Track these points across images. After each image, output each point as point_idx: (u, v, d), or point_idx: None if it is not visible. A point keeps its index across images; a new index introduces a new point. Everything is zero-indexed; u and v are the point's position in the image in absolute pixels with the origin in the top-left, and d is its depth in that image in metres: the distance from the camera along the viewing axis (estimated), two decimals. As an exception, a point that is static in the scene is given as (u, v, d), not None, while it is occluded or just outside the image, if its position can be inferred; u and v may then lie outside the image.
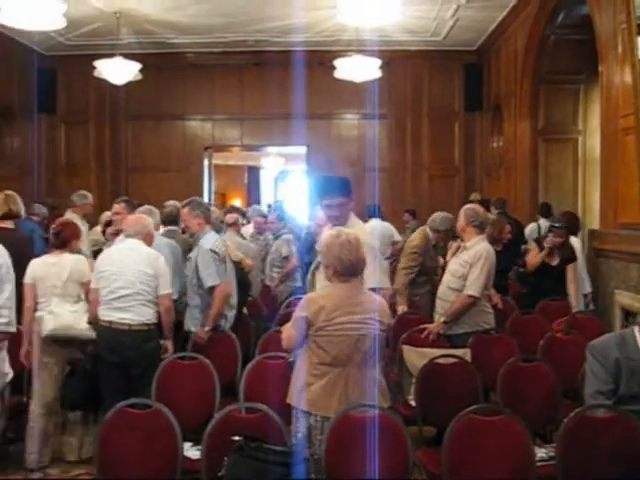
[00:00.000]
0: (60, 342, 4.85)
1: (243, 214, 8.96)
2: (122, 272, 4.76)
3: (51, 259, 5.02)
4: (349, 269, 3.50)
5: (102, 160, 12.85)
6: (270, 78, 11.75)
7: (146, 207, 5.94)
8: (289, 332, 3.58)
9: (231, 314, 5.52)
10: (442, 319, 5.28)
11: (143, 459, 3.51)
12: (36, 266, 4.97)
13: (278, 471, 3.20)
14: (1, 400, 3.25)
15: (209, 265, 5.25)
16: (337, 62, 10.08)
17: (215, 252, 5.29)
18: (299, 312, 3.48)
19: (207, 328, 5.25)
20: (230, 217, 7.26)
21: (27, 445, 4.78)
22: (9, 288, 3.15)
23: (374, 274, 3.85)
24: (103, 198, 10.86)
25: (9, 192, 5.96)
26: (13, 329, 3.17)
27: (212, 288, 5.26)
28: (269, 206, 11.77)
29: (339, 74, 10.22)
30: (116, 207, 6.11)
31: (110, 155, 12.85)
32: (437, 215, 6.65)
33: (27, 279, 4.88)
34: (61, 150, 12.83)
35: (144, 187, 11.87)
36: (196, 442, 4.00)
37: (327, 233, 3.69)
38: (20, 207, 5.87)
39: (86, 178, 12.33)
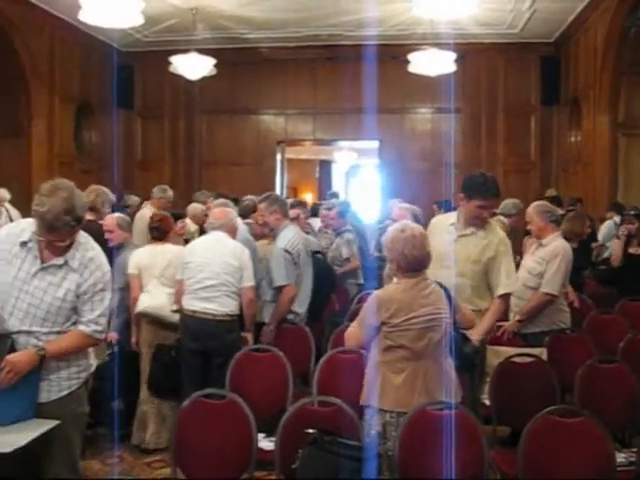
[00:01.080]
0: (158, 325, 5.07)
1: (313, 207, 8.96)
2: (208, 263, 4.86)
3: (156, 248, 5.23)
4: (413, 264, 3.48)
5: (176, 154, 13.09)
6: (343, 72, 11.72)
7: (221, 200, 6.03)
8: (355, 331, 3.55)
9: (301, 310, 5.51)
10: (517, 317, 5.18)
11: (218, 449, 3.55)
12: (141, 256, 5.22)
13: (351, 466, 3.19)
14: (85, 388, 3.33)
15: (280, 264, 5.28)
16: (411, 56, 9.99)
17: (288, 252, 5.30)
18: (369, 311, 3.44)
19: (271, 327, 5.29)
20: (293, 212, 7.29)
21: (148, 427, 5.09)
22: (109, 296, 3.22)
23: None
24: (177, 192, 11.03)
25: (95, 186, 6.10)
26: (103, 337, 3.27)
27: (280, 287, 5.30)
28: (332, 196, 11.73)
29: (413, 68, 10.14)
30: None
31: (184, 149, 13.08)
32: (506, 201, 6.67)
33: (132, 269, 5.10)
34: (137, 144, 13.13)
35: (217, 181, 12.04)
36: (268, 433, 4.04)
37: (392, 228, 3.67)
38: (103, 199, 5.98)
39: (160, 172, 12.60)
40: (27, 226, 3.11)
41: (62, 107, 11.22)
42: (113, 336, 5.12)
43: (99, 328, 3.17)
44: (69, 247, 3.10)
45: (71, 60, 11.41)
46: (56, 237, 3.01)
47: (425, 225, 4.42)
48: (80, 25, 10.58)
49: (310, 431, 3.34)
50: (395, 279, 3.65)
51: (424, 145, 12.46)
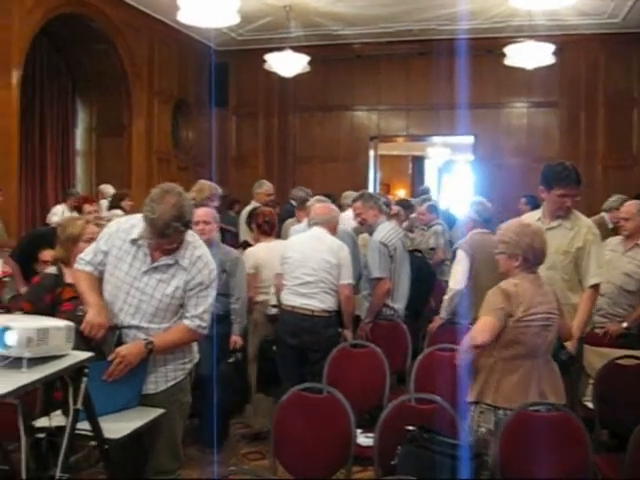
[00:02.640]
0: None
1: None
2: (306, 259, 4.90)
3: (269, 245, 5.30)
4: (540, 258, 3.45)
5: (270, 151, 13.24)
6: (436, 67, 11.56)
7: (321, 197, 6.08)
8: (488, 322, 3.31)
9: (398, 306, 5.48)
10: (625, 325, 5.01)
11: (316, 443, 3.56)
12: (258, 254, 5.31)
13: (451, 463, 3.15)
14: (189, 379, 3.41)
15: (375, 257, 5.29)
16: (507, 49, 9.77)
17: (384, 244, 5.30)
18: (496, 303, 3.36)
19: (366, 321, 5.30)
20: (394, 209, 7.32)
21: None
22: (213, 294, 3.28)
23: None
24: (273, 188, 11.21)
25: (202, 181, 6.21)
26: (206, 332, 3.32)
27: (375, 280, 5.29)
28: (422, 192, 11.63)
29: (509, 61, 9.91)
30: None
31: (278, 146, 13.21)
32: (613, 197, 6.90)
33: (250, 269, 5.19)
34: (232, 141, 13.34)
35: (311, 177, 12.11)
36: (365, 429, 4.03)
37: (512, 222, 3.61)
38: (205, 195, 6.08)
39: (255, 168, 12.77)
40: (137, 222, 3.20)
41: (160, 106, 11.56)
42: (237, 340, 4.94)
43: (203, 324, 3.24)
44: (178, 247, 3.18)
45: (169, 61, 11.73)
46: (166, 242, 3.10)
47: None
48: (178, 26, 10.90)
49: (410, 428, 3.31)
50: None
51: (519, 140, 12.16)
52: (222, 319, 4.71)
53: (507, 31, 10.71)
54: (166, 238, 3.06)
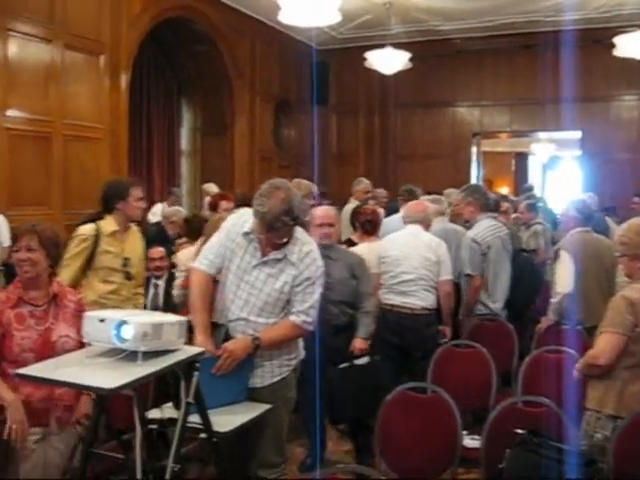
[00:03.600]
0: None
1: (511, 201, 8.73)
2: (405, 257, 4.86)
3: (371, 245, 5.29)
4: None
5: (371, 148, 13.22)
6: (541, 60, 11.21)
7: (434, 196, 6.04)
8: (612, 340, 3.14)
9: (495, 306, 5.34)
10: None
11: (421, 443, 3.52)
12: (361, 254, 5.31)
13: (563, 470, 3.04)
14: (295, 375, 3.43)
15: (467, 253, 5.23)
16: (617, 39, 9.40)
17: (476, 242, 5.22)
18: (621, 314, 3.18)
19: (461, 317, 5.27)
20: (503, 206, 7.19)
21: None
22: (319, 290, 3.30)
23: None
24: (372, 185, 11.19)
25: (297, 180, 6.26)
26: (312, 328, 3.31)
27: (468, 277, 5.27)
28: (526, 190, 11.32)
29: (619, 52, 9.53)
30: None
31: (379, 143, 13.18)
32: None
33: (374, 269, 5.18)
34: (332, 139, 13.41)
35: (412, 174, 11.97)
36: (470, 430, 3.96)
37: (631, 222, 3.46)
38: (302, 194, 6.14)
39: (355, 166, 12.78)
40: (249, 217, 3.25)
41: (262, 105, 11.74)
42: (362, 345, 4.48)
43: (309, 319, 3.25)
44: (287, 242, 3.22)
45: (270, 60, 11.91)
46: (275, 236, 3.14)
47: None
48: (278, 26, 11.03)
49: (519, 431, 3.22)
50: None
51: (630, 134, 11.66)
52: (345, 328, 4.46)
53: (616, 21, 10.30)
54: (275, 232, 3.10)
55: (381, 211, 6.45)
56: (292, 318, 3.24)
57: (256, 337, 3.15)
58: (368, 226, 5.41)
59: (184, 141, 11.80)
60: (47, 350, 2.93)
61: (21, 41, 7.64)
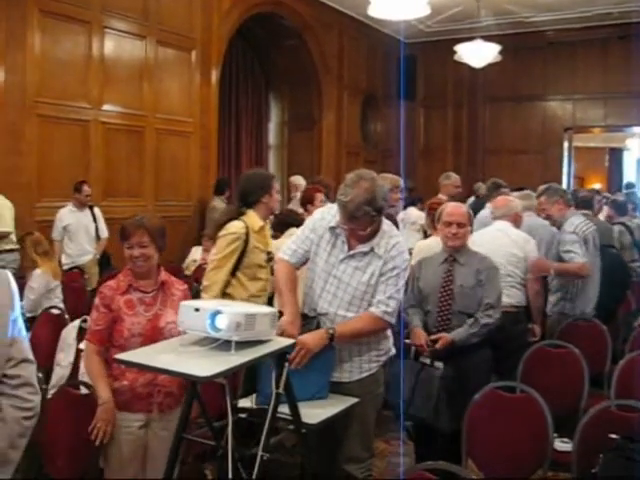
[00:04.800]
0: None
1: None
2: (491, 253, 4.75)
3: (437, 239, 5.24)
4: None
5: (459, 143, 13.07)
6: (637, 52, 10.84)
7: (525, 193, 5.92)
8: None
9: (587, 310, 5.18)
10: None
11: (510, 443, 3.44)
12: (424, 248, 5.24)
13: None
14: (383, 371, 3.41)
15: (567, 244, 5.01)
16: None
17: (576, 234, 5.05)
18: None
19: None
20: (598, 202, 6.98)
21: None
22: (402, 282, 3.24)
23: None
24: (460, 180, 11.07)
25: (384, 174, 6.24)
26: (393, 320, 3.24)
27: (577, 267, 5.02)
28: (627, 187, 10.95)
29: None
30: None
31: (467, 138, 13.01)
32: None
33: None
34: (420, 134, 13.33)
35: (500, 169, 11.78)
36: (560, 432, 3.86)
37: None
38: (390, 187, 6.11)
39: (442, 161, 12.67)
40: (337, 211, 3.24)
41: (350, 100, 11.78)
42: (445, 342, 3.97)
43: (388, 309, 3.17)
44: (374, 235, 3.19)
45: (358, 54, 11.92)
46: (357, 226, 3.11)
47: None
48: (367, 20, 11.04)
49: (613, 436, 3.11)
50: None
51: None
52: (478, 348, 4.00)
53: None
54: (356, 221, 3.08)
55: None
56: (371, 309, 3.19)
57: (331, 327, 3.13)
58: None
59: (272, 135, 11.94)
60: (155, 335, 3.03)
61: (116, 38, 7.91)
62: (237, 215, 4.13)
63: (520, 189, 7.13)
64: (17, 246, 6.54)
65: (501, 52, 10.31)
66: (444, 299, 3.91)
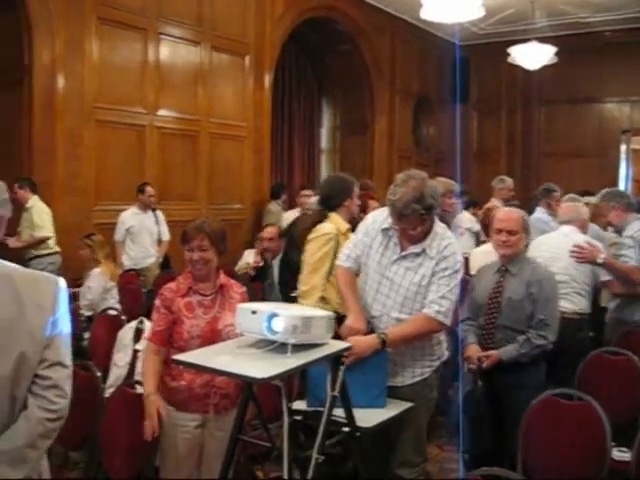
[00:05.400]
0: None
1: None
2: (556, 259, 4.69)
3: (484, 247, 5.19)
4: None
5: (513, 146, 12.92)
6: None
7: (571, 195, 5.81)
8: None
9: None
10: None
11: (566, 450, 3.39)
12: (476, 256, 5.22)
13: None
14: (436, 376, 3.37)
15: (622, 248, 4.92)
16: None
17: (632, 238, 4.94)
18: None
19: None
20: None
21: None
22: (455, 283, 3.18)
23: None
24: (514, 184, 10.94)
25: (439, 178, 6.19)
26: (447, 321, 3.18)
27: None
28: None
29: None
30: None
31: (521, 141, 12.86)
32: None
33: (472, 271, 5.09)
34: (473, 137, 13.22)
35: (555, 173, 11.57)
36: (618, 441, 3.77)
37: None
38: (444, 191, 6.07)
39: (496, 164, 12.53)
40: (389, 214, 3.26)
41: (402, 104, 11.77)
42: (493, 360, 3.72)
43: (441, 309, 3.12)
44: (426, 236, 3.18)
45: (410, 58, 11.89)
46: (406, 224, 3.11)
47: None
48: (419, 23, 11.01)
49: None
50: None
51: None
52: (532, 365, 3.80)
53: None
54: (405, 220, 3.08)
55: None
56: (424, 310, 3.16)
57: (382, 333, 3.12)
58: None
59: (324, 139, 11.99)
60: (214, 338, 3.07)
61: (171, 44, 8.04)
62: (321, 218, 4.16)
63: (587, 193, 6.99)
64: (56, 250, 6.72)
65: (556, 54, 10.15)
66: (490, 312, 3.78)
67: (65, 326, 1.99)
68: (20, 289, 1.92)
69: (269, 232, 6.13)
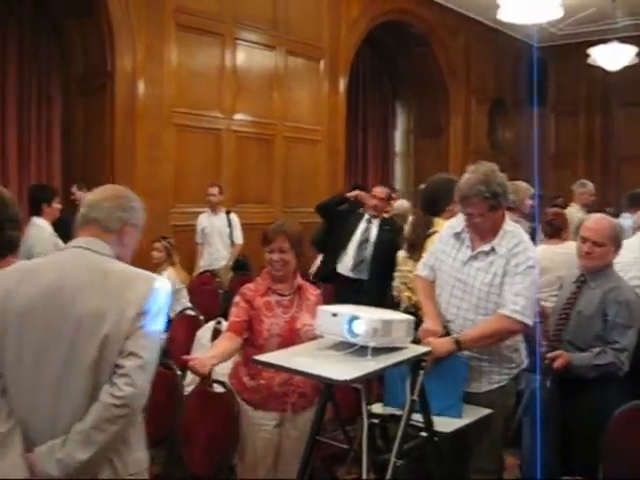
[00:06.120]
0: None
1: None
2: (635, 262, 4.55)
3: (552, 247, 5.08)
4: None
5: (591, 150, 12.62)
6: None
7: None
8: None
9: None
10: None
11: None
12: (543, 255, 5.10)
13: None
14: (514, 383, 3.32)
15: None
16: None
17: None
18: None
19: None
20: None
21: None
22: (530, 280, 3.13)
23: None
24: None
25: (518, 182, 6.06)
26: (525, 320, 3.08)
27: None
28: None
29: None
30: None
31: (600, 144, 12.55)
32: None
33: (552, 273, 4.98)
34: (550, 141, 12.95)
35: (636, 177, 11.23)
36: None
37: None
38: (520, 197, 5.94)
39: (574, 168, 12.23)
40: (463, 217, 3.25)
41: (477, 106, 11.64)
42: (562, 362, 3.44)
43: (517, 307, 3.04)
44: (495, 233, 3.15)
45: (485, 60, 11.74)
46: (471, 209, 3.09)
47: None
48: (495, 25, 10.85)
49: None
50: None
51: None
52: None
53: None
54: (469, 203, 3.07)
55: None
56: (500, 310, 3.09)
57: (458, 334, 3.08)
58: (548, 228, 5.16)
59: (398, 143, 11.95)
60: (292, 337, 3.13)
61: (248, 49, 8.16)
62: (428, 224, 4.14)
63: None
64: None
65: (638, 54, 9.87)
66: (559, 323, 3.60)
67: (152, 322, 2.08)
68: (114, 283, 2.06)
69: (379, 192, 5.95)
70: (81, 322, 2.01)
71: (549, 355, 3.39)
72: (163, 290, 2.12)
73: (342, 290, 5.75)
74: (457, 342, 3.04)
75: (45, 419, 2.04)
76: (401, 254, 4.58)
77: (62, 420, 2.03)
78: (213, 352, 3.12)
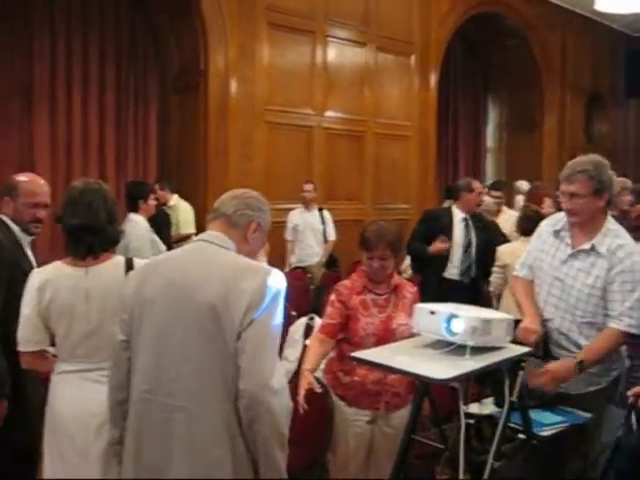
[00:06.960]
0: None
1: None
2: None
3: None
4: None
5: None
6: None
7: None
8: None
9: None
10: None
11: None
12: None
13: None
14: (615, 386, 3.20)
15: None
16: None
17: None
18: None
19: None
20: None
21: None
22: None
23: None
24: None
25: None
26: (638, 331, 2.96)
27: None
28: None
29: None
30: None
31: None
32: None
33: None
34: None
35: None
36: None
37: None
38: (615, 192, 5.78)
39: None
40: (563, 216, 3.17)
41: (573, 100, 11.31)
42: None
43: (632, 322, 2.95)
44: (596, 231, 3.05)
45: (582, 52, 11.39)
46: (573, 186, 3.00)
47: None
48: (592, 15, 10.51)
49: None
50: None
51: None
52: None
53: None
54: (573, 178, 3.00)
55: None
56: (613, 325, 2.98)
57: (580, 361, 2.94)
58: (637, 232, 4.89)
59: (489, 138, 11.75)
60: (387, 336, 3.11)
61: (338, 46, 8.17)
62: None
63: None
64: None
65: None
66: None
67: (263, 313, 2.09)
68: (229, 274, 2.12)
69: (479, 187, 5.89)
70: (198, 311, 2.08)
71: (630, 392, 2.92)
72: (276, 283, 2.15)
73: (452, 294, 5.65)
74: (580, 367, 2.93)
75: (166, 380, 2.12)
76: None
77: (182, 381, 2.10)
78: (309, 365, 3.17)
